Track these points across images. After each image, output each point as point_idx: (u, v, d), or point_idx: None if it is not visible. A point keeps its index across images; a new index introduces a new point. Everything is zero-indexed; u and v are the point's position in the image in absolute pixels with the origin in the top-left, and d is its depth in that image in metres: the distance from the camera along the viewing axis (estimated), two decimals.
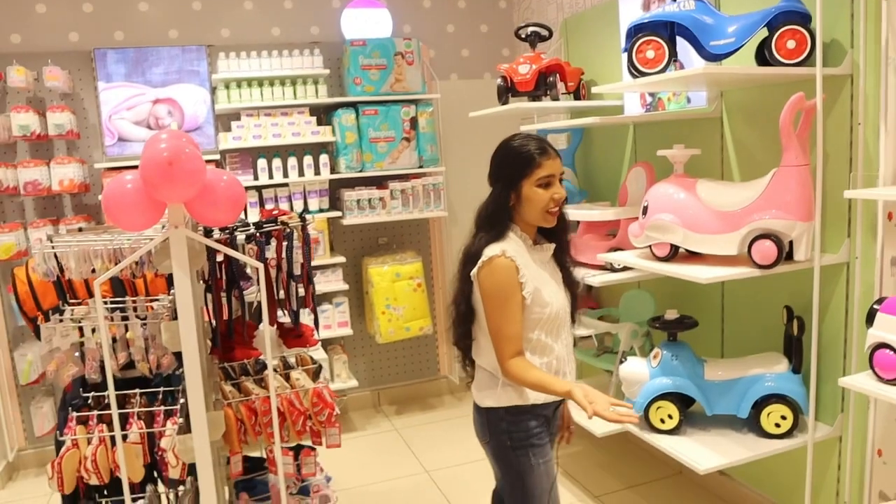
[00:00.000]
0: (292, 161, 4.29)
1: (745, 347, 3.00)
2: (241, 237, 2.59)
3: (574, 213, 3.35)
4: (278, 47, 4.34)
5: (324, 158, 4.32)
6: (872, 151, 2.43)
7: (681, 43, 2.61)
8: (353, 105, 4.30)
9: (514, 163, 2.07)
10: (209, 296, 2.55)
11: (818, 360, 2.63)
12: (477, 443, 2.23)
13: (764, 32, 2.51)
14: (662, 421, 2.70)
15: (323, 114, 4.47)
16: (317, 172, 4.33)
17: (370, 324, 4.51)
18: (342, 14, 4.52)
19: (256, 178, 4.26)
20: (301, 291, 2.74)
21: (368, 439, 4.36)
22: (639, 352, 3.20)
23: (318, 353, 3.11)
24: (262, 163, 4.25)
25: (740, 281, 2.79)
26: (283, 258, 2.64)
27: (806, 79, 2.46)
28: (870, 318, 2.13)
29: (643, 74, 2.56)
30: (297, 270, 2.58)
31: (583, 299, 3.71)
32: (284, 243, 2.67)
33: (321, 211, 4.33)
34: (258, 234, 2.53)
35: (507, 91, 3.62)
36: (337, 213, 4.36)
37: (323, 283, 4.28)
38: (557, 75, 3.55)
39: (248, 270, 2.70)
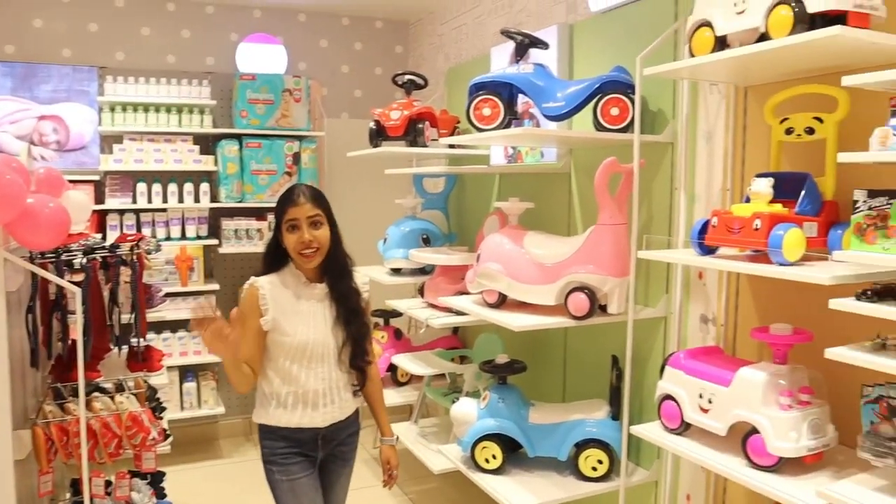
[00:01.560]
0: (172, 187, 4.28)
1: (583, 393, 3.10)
2: (79, 260, 2.57)
3: (422, 256, 3.44)
4: (172, 75, 4.35)
5: (205, 187, 4.32)
6: (688, 215, 2.58)
7: None
8: (238, 137, 4.33)
9: (276, 208, 2.28)
10: (35, 316, 2.52)
11: (640, 408, 2.75)
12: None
13: (598, 98, 2.64)
14: (487, 461, 2.76)
15: (211, 143, 4.47)
16: (196, 200, 4.32)
17: None
18: (238, 47, 4.56)
19: (135, 201, 4.23)
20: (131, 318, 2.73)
21: (233, 467, 4.31)
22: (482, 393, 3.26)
23: (160, 379, 3.08)
24: (141, 187, 4.23)
25: (580, 330, 2.90)
26: (122, 283, 2.64)
27: (641, 143, 2.60)
28: (662, 371, 2.25)
29: (480, 130, 2.66)
30: (120, 298, 2.57)
31: (400, 342, 3.92)
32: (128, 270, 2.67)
33: (199, 238, 4.32)
34: (90, 260, 2.51)
35: (378, 135, 3.70)
36: (214, 241, 4.35)
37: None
38: (427, 122, 3.65)
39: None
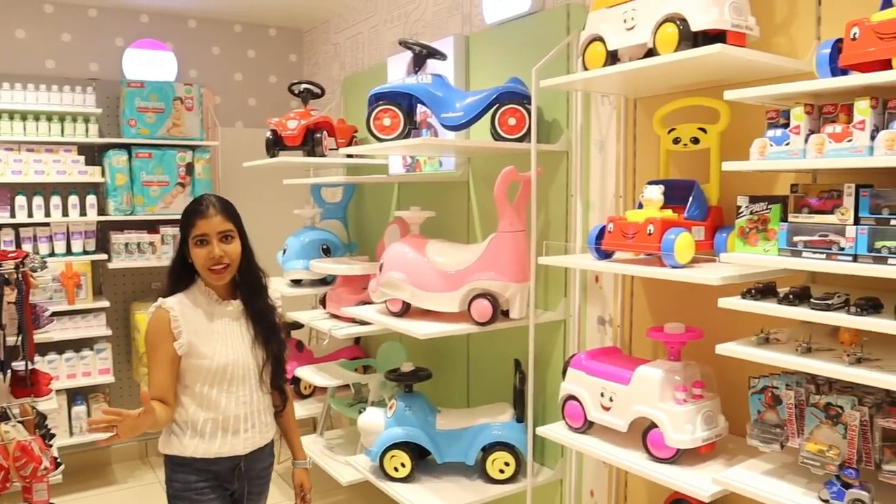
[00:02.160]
0: (56, 200, 4.05)
1: (487, 397, 3.15)
2: None
3: (323, 266, 3.41)
4: (52, 81, 4.12)
5: (91, 199, 4.12)
6: (584, 220, 2.68)
7: None
8: (127, 147, 4.15)
9: (181, 222, 2.15)
10: None
11: (543, 409, 2.82)
12: None
13: (496, 109, 2.70)
14: (396, 469, 2.76)
15: (97, 153, 4.27)
16: (83, 213, 4.11)
17: (137, 371, 4.29)
18: (125, 53, 4.38)
19: (14, 215, 3.97)
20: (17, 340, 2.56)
21: (128, 493, 4.11)
22: (388, 402, 3.26)
23: (48, 404, 2.91)
24: (21, 200, 3.98)
25: (482, 336, 2.95)
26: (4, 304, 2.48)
27: (530, 152, 2.68)
28: (564, 373, 2.32)
29: (380, 140, 2.67)
30: (4, 319, 2.42)
31: (305, 354, 3.84)
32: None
33: (86, 253, 4.10)
34: None
35: (276, 145, 3.64)
36: (103, 256, 4.15)
37: (83, 329, 4.04)
38: (325, 132, 3.62)
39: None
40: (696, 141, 2.12)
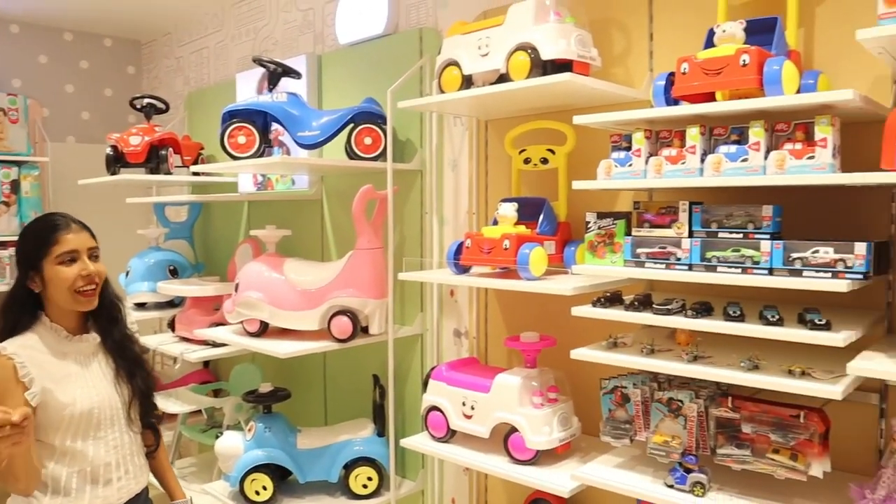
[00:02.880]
0: None
1: (346, 414, 3.15)
2: None
3: (172, 288, 3.28)
4: None
5: None
6: (439, 237, 2.77)
7: None
8: None
9: (31, 243, 1.89)
10: None
11: (403, 422, 2.86)
12: None
13: (351, 128, 2.73)
14: (257, 493, 2.70)
15: None
16: None
17: None
18: None
19: None
20: None
21: None
22: (245, 424, 3.18)
23: None
24: None
25: (339, 353, 2.94)
26: None
27: (385, 171, 2.73)
28: (425, 385, 2.38)
29: (235, 158, 2.62)
30: None
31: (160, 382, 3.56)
32: None
33: None
34: None
35: (117, 161, 3.46)
36: None
37: None
38: (170, 149, 3.49)
39: None
40: (545, 161, 2.27)
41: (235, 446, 2.72)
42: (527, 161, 2.32)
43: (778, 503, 1.64)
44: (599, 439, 1.97)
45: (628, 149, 1.79)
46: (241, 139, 2.62)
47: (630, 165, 1.76)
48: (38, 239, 1.88)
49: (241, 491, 2.70)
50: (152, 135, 3.47)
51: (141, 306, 3.58)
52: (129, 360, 2.03)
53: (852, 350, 1.51)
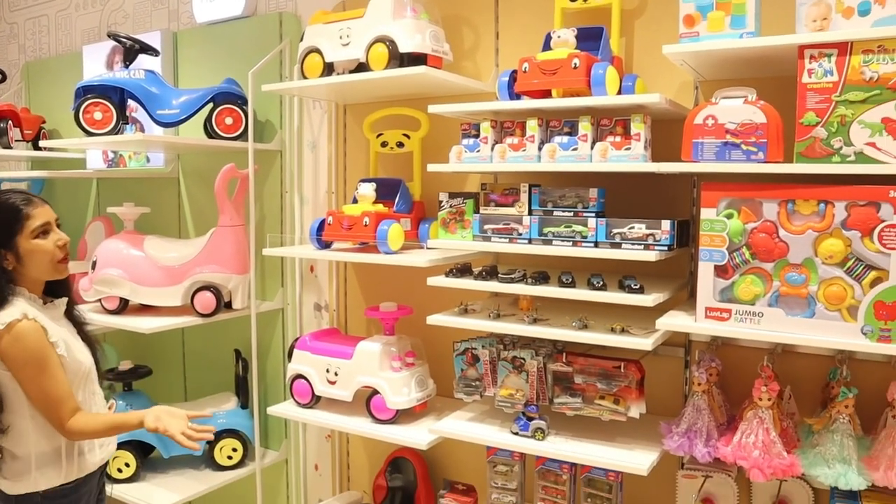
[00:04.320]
0: None
1: (206, 389, 3.21)
2: None
3: None
4: None
5: None
6: (297, 214, 2.89)
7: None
8: None
9: (6, 222, 1.89)
10: None
11: (265, 394, 2.98)
12: None
13: (211, 107, 2.79)
14: (120, 470, 2.74)
15: None
16: None
17: None
18: None
19: None
20: None
21: None
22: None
23: None
24: None
25: (197, 329, 3.00)
26: None
27: (244, 150, 2.81)
28: (290, 355, 2.51)
29: (90, 134, 2.61)
30: None
31: None
32: None
33: None
34: None
35: None
36: None
37: None
38: (10, 122, 3.36)
39: None
40: (401, 145, 2.46)
41: None
42: (384, 144, 2.50)
43: (605, 441, 1.95)
44: (453, 399, 2.21)
45: (476, 136, 2.01)
46: (98, 115, 2.61)
47: (478, 151, 1.99)
48: (7, 218, 1.88)
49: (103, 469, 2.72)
50: None
51: None
52: (84, 325, 2.09)
53: (661, 310, 1.83)
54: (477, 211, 2.04)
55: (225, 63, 3.03)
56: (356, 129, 2.69)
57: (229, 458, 2.86)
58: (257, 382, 2.87)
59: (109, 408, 2.75)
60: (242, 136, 2.79)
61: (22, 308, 1.84)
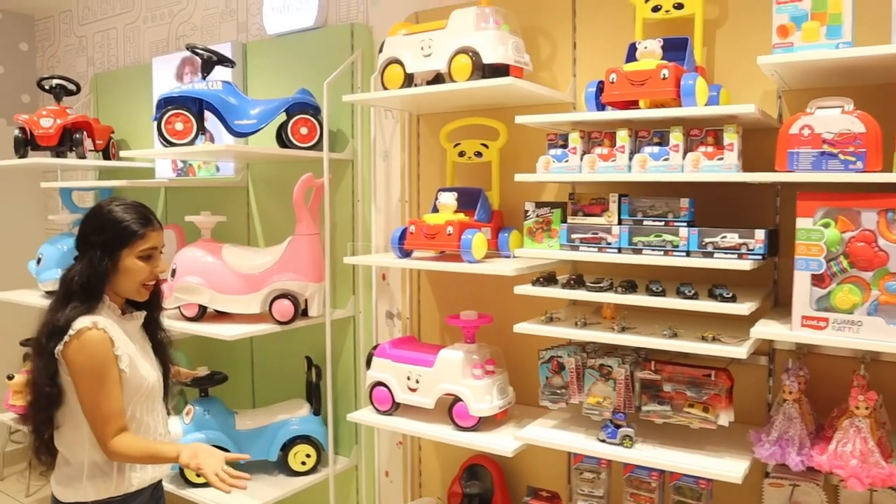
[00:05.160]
0: None
1: (274, 396, 3.32)
2: None
3: None
4: None
5: None
6: (367, 224, 2.98)
7: (212, 116, 2.86)
8: None
9: (114, 230, 1.96)
10: None
11: (334, 401, 3.07)
12: None
13: (283, 117, 2.89)
14: (198, 475, 2.83)
15: None
16: None
17: None
18: None
19: None
20: None
21: None
22: (173, 411, 3.28)
23: None
24: None
25: (267, 336, 3.11)
26: None
27: (317, 160, 2.91)
28: (368, 362, 2.60)
29: (172, 145, 2.73)
30: None
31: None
32: None
33: None
34: None
35: (27, 144, 3.44)
36: None
37: None
38: (84, 132, 3.51)
39: None
40: (479, 154, 2.53)
41: (174, 431, 2.84)
42: (461, 154, 2.57)
43: (693, 449, 1.99)
44: (531, 407, 2.29)
45: (564, 146, 2.08)
46: (179, 125, 2.73)
47: (566, 161, 2.05)
48: (126, 229, 1.96)
49: (182, 474, 2.83)
50: (65, 117, 3.48)
51: (51, 294, 3.57)
52: (160, 340, 2.17)
53: (750, 320, 1.87)
54: (564, 220, 2.10)
55: (294, 74, 3.13)
56: (430, 138, 2.77)
57: (303, 463, 2.95)
58: (330, 390, 2.96)
59: (187, 413, 2.89)
60: (316, 146, 2.89)
61: (94, 317, 1.91)
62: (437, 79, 2.47)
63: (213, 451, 1.91)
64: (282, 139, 2.94)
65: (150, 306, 2.13)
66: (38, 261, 3.55)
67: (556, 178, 2.08)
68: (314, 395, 3.02)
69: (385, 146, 2.95)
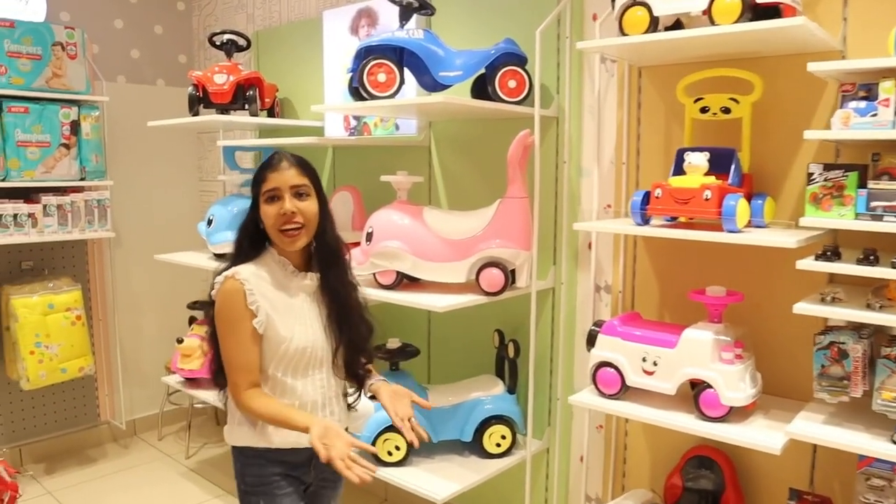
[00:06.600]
0: None
1: (458, 371, 3.20)
2: None
3: None
4: None
5: None
6: (574, 187, 2.80)
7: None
8: None
9: (254, 178, 2.01)
10: None
11: (532, 379, 2.92)
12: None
13: (481, 70, 2.73)
14: (390, 453, 2.76)
15: None
16: None
17: (12, 366, 3.86)
18: None
19: None
20: None
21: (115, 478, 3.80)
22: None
23: None
24: None
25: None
26: None
27: (518, 117, 2.73)
28: (591, 340, 2.43)
29: (374, 97, 2.60)
30: None
31: None
32: None
33: None
34: None
35: (200, 101, 3.42)
36: None
37: None
38: (257, 89, 3.46)
39: None
40: (726, 111, 2.30)
41: (366, 405, 2.76)
42: (703, 110, 2.35)
43: None
44: (773, 397, 2.09)
45: (866, 97, 1.83)
46: (381, 77, 2.59)
47: (874, 115, 1.80)
48: (256, 176, 2.00)
49: (373, 454, 2.75)
50: (238, 74, 3.44)
51: (219, 257, 3.56)
52: (342, 308, 2.07)
53: None
54: (862, 185, 1.86)
55: (487, 23, 2.96)
56: (653, 92, 2.55)
57: (497, 445, 2.83)
58: (524, 366, 2.81)
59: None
60: (525, 101, 2.72)
61: (242, 267, 1.95)
62: (676, 25, 2.27)
63: (342, 433, 1.84)
64: (480, 93, 2.77)
65: (323, 266, 2.06)
66: (209, 222, 3.54)
67: (858, 136, 1.83)
68: (510, 372, 2.89)
69: (594, 101, 2.74)
